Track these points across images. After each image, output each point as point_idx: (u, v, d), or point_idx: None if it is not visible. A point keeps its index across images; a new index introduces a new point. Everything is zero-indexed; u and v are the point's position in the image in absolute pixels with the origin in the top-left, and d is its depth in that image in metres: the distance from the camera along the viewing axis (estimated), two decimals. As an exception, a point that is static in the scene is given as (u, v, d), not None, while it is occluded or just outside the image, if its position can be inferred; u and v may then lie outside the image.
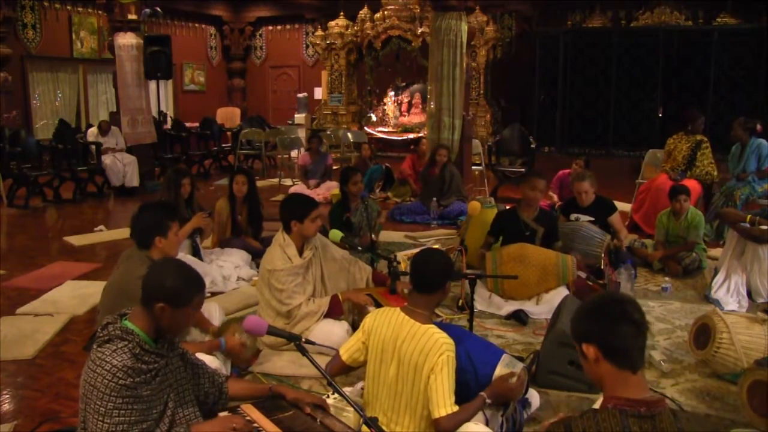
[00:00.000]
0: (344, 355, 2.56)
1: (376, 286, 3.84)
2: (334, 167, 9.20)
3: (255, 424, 2.12)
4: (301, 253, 3.51)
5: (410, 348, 2.32)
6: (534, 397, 2.78)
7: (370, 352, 2.47)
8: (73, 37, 12.58)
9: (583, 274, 4.34)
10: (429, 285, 2.41)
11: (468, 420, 2.30)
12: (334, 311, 3.52)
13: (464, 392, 2.37)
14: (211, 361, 2.66)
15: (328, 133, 11.49)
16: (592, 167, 6.15)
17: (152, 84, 9.75)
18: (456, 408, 2.25)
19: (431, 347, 2.28)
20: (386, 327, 2.42)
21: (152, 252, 2.88)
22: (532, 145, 9.14)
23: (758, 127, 6.30)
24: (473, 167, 8.90)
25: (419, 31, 11.81)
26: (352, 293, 3.60)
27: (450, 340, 2.31)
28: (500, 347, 2.94)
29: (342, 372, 2.62)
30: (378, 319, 2.49)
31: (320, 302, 3.51)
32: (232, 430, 2.04)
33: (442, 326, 2.41)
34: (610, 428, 1.51)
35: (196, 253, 4.82)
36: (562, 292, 4.07)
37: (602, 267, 4.47)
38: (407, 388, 2.35)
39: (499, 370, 2.49)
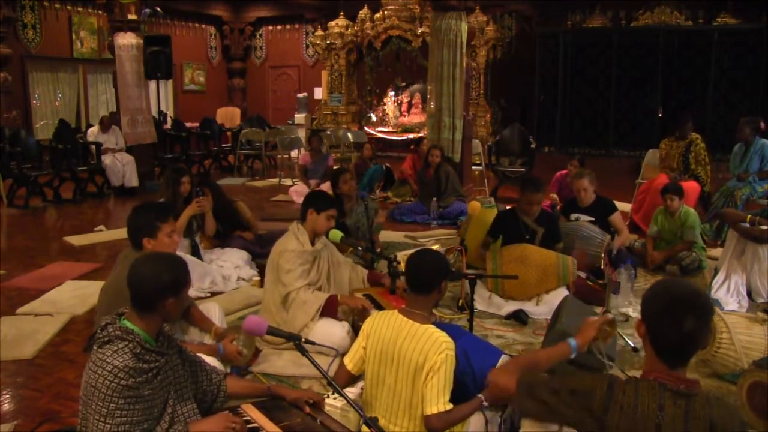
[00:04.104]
0: (349, 365, 2.55)
1: (372, 286, 3.85)
2: (335, 167, 9.19)
3: (255, 424, 2.11)
4: (313, 244, 3.57)
5: (410, 348, 2.32)
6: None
7: (369, 353, 2.46)
8: (73, 37, 12.58)
9: (583, 274, 4.34)
10: (423, 286, 2.40)
11: (461, 421, 2.30)
12: (329, 312, 3.51)
13: (462, 393, 2.36)
14: (211, 359, 2.65)
15: (328, 133, 11.49)
16: (591, 167, 6.13)
17: (152, 84, 9.75)
18: (449, 407, 2.24)
19: (431, 346, 2.28)
20: (385, 329, 2.42)
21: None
22: (532, 145, 9.13)
23: (762, 124, 6.30)
24: (473, 167, 8.90)
25: (419, 31, 11.81)
26: (349, 298, 3.59)
27: (450, 339, 2.30)
28: (500, 347, 2.94)
29: (350, 382, 2.59)
30: (377, 321, 2.48)
31: (318, 295, 3.50)
32: (230, 430, 2.03)
33: (441, 326, 2.41)
34: (647, 397, 1.58)
35: (195, 252, 4.82)
36: (562, 292, 4.07)
37: (602, 267, 4.46)
38: (407, 389, 2.34)
39: (498, 371, 2.49)
